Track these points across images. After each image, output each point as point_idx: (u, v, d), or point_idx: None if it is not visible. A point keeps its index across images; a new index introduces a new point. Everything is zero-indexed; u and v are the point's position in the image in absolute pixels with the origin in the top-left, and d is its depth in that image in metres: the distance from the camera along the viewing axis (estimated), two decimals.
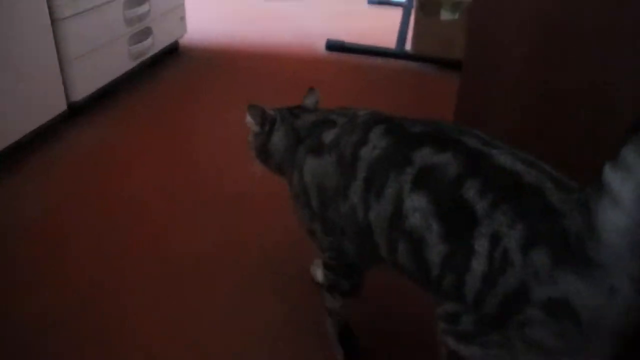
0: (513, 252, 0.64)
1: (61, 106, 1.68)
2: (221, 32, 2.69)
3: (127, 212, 1.37)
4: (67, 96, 1.71)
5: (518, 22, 1.06)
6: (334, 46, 2.49)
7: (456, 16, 2.22)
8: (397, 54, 2.41)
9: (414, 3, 2.32)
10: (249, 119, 1.06)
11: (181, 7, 2.35)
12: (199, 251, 1.24)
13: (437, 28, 2.26)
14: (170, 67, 2.26)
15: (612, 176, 0.58)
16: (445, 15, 2.23)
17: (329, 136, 0.90)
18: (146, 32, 2.08)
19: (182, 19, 2.37)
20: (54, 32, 1.61)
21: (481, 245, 0.66)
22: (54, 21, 1.61)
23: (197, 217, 1.36)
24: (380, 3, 3.24)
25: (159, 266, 1.20)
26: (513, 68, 1.09)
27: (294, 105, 1.07)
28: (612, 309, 0.60)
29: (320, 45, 2.52)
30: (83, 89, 1.77)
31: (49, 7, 1.58)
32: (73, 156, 1.60)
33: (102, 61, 1.85)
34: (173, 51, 2.38)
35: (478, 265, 0.66)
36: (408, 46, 2.40)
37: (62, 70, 1.67)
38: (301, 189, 0.94)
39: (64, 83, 1.68)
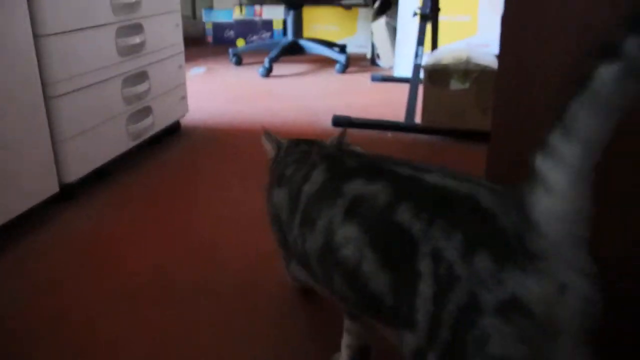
0: (456, 264, 0.62)
1: (53, 188, 1.56)
2: (224, 112, 2.63)
3: (119, 301, 1.22)
4: (59, 177, 1.59)
5: (545, 83, 0.96)
6: (341, 122, 2.41)
7: (466, 85, 2.15)
8: (406, 127, 2.33)
9: (422, 74, 2.27)
10: (265, 143, 1.14)
11: (182, 86, 2.29)
12: (199, 346, 1.08)
13: (447, 98, 2.19)
14: (171, 147, 2.17)
15: (543, 165, 0.59)
16: (455, 85, 2.16)
17: (290, 170, 0.96)
18: (146, 112, 2.01)
19: (184, 98, 2.31)
20: (47, 110, 1.52)
21: (425, 265, 0.65)
22: (47, 99, 1.52)
23: (198, 308, 1.20)
24: (384, 80, 3.21)
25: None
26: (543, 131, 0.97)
27: (309, 139, 1.10)
28: (566, 303, 0.59)
29: (326, 121, 2.44)
30: (77, 170, 1.66)
31: (42, 84, 1.49)
32: (64, 240, 1.47)
33: (98, 141, 1.75)
34: (174, 131, 2.30)
35: (426, 287, 0.65)
36: (417, 119, 2.32)
37: (54, 150, 1.56)
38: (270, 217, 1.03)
39: (57, 163, 1.58)
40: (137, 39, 1.89)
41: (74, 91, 1.61)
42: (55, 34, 1.52)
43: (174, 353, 1.07)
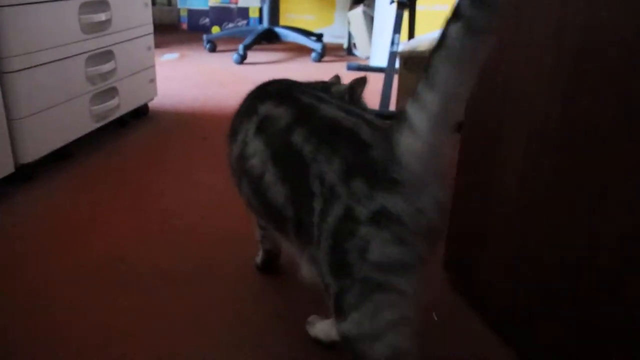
0: (337, 186, 0.73)
1: (8, 168, 1.49)
2: (195, 97, 2.56)
3: (76, 284, 1.16)
4: (15, 157, 1.52)
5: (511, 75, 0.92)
6: None
7: None
8: (381, 114, 2.29)
9: (398, 61, 2.23)
10: None
11: (151, 69, 2.21)
12: (155, 330, 1.03)
13: None
14: (138, 130, 2.10)
15: (410, 109, 0.68)
16: None
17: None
18: (111, 93, 1.93)
19: (152, 81, 2.24)
20: (1, 86, 1.44)
21: (316, 186, 0.76)
22: (1, 74, 1.44)
23: (156, 291, 1.15)
24: (359, 69, 3.17)
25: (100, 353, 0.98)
26: (520, 120, 0.94)
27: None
28: (422, 225, 0.72)
29: None
30: (35, 150, 1.59)
31: None
32: (19, 222, 1.40)
33: (59, 121, 1.67)
34: (142, 114, 2.22)
35: (317, 205, 0.76)
36: (392, 107, 2.28)
37: (9, 128, 1.48)
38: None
39: (12, 142, 1.50)
40: (102, 16, 1.81)
41: (32, 67, 1.53)
42: (11, 5, 1.44)
43: (128, 337, 1.01)
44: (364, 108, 1.09)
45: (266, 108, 0.90)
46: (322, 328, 1.00)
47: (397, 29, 2.48)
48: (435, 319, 1.08)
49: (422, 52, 2.15)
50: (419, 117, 0.67)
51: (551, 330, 0.89)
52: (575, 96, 0.81)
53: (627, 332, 0.75)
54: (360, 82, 1.10)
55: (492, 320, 1.05)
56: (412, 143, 0.69)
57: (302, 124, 0.82)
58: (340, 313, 0.77)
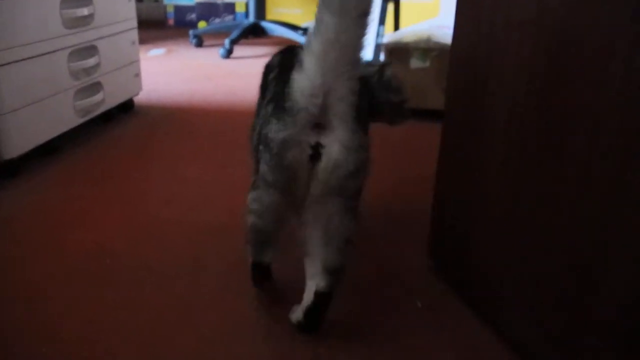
0: (263, 107, 0.95)
1: None
2: (181, 92, 2.56)
3: (60, 279, 1.15)
4: (0, 152, 1.51)
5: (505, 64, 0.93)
6: None
7: (427, 64, 2.12)
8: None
9: (382, 51, 2.23)
10: None
11: (136, 63, 2.21)
12: (139, 326, 1.03)
13: (407, 76, 2.15)
14: (123, 125, 2.09)
15: (303, 53, 0.81)
16: (415, 63, 2.13)
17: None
18: (95, 87, 1.92)
19: (137, 75, 2.23)
20: None
21: (264, 108, 0.95)
22: None
23: (141, 286, 1.15)
24: None
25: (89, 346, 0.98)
26: (500, 113, 0.95)
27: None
28: (304, 153, 0.85)
29: None
30: (19, 146, 1.58)
31: None
32: (4, 217, 1.39)
33: (43, 116, 1.67)
34: (128, 109, 2.22)
35: (257, 122, 0.99)
36: None
37: None
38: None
39: None
40: (84, 11, 1.81)
41: (13, 62, 1.52)
42: None
43: (115, 331, 1.01)
44: (393, 86, 1.21)
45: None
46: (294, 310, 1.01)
47: (381, 20, 2.49)
48: (419, 305, 1.09)
49: (406, 44, 2.15)
50: (307, 60, 0.80)
51: (535, 314, 0.90)
52: (553, 86, 0.82)
53: (609, 315, 0.76)
54: (387, 65, 1.23)
55: (476, 306, 1.06)
56: (301, 81, 0.82)
57: (280, 70, 0.99)
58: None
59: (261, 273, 1.08)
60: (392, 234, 1.36)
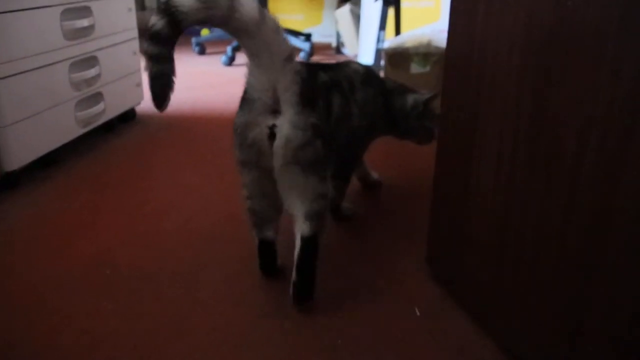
0: None
1: None
2: (183, 100, 2.57)
3: (60, 289, 1.16)
4: (0, 165, 1.52)
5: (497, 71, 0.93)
6: None
7: (427, 69, 2.12)
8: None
9: (383, 57, 2.23)
10: None
11: (137, 73, 2.22)
12: (137, 335, 1.03)
13: (408, 81, 2.15)
14: (125, 134, 2.10)
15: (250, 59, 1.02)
16: (416, 68, 2.13)
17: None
18: (96, 98, 1.94)
19: (139, 85, 2.24)
20: None
21: None
22: None
23: (140, 296, 1.15)
24: None
25: None
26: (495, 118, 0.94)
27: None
28: (261, 132, 1.03)
29: None
30: (21, 157, 1.59)
31: None
32: (5, 228, 1.40)
33: (44, 128, 1.68)
34: (129, 119, 2.23)
35: None
36: None
37: None
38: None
39: None
40: (85, 22, 1.82)
41: (14, 75, 1.53)
42: None
43: (113, 340, 1.01)
44: (434, 116, 1.45)
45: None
46: None
47: (382, 25, 2.49)
48: (418, 313, 1.09)
49: (406, 49, 2.16)
50: (252, 64, 1.01)
51: (533, 322, 0.89)
52: (544, 90, 0.82)
53: (604, 324, 0.76)
54: (434, 98, 1.44)
55: (475, 313, 1.06)
56: (250, 78, 1.02)
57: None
58: None
59: (267, 252, 1.19)
60: (389, 240, 1.35)
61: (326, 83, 1.22)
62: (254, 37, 0.96)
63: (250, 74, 1.02)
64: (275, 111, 1.02)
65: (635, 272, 0.70)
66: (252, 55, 0.99)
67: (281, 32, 0.99)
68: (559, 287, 0.82)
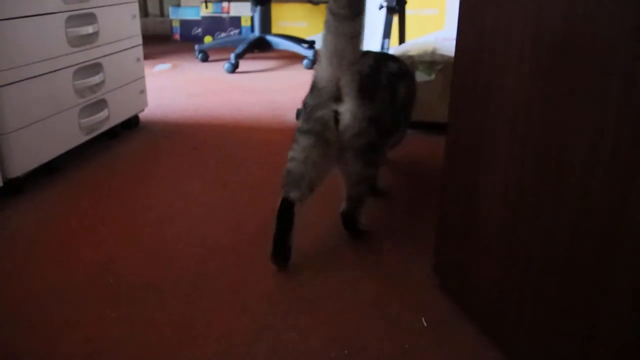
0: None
1: None
2: (186, 107, 2.56)
3: (63, 297, 1.15)
4: (4, 171, 1.51)
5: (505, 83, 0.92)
6: None
7: (432, 77, 2.12)
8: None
9: None
10: None
11: (141, 80, 2.21)
12: (141, 344, 1.02)
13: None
14: (128, 141, 2.09)
15: (319, 54, 1.23)
16: (421, 76, 2.13)
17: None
18: (100, 105, 1.93)
19: (143, 92, 2.24)
20: None
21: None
22: None
23: (143, 305, 1.14)
24: None
25: None
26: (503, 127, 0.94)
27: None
28: (330, 118, 1.22)
29: (291, 115, 2.39)
30: (24, 164, 1.58)
31: None
32: (8, 235, 1.39)
33: (48, 134, 1.67)
34: (133, 125, 2.22)
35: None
36: None
37: None
38: None
39: (0, 157, 1.50)
40: (89, 29, 1.82)
41: (19, 81, 1.53)
42: None
43: (116, 349, 1.00)
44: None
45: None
46: None
47: (386, 33, 2.48)
48: (425, 324, 1.07)
49: (411, 57, 2.15)
50: (321, 56, 1.21)
51: (542, 332, 0.88)
52: (554, 99, 0.81)
53: (615, 332, 0.75)
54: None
55: (483, 322, 1.04)
56: (318, 69, 1.24)
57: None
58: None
59: (286, 211, 1.23)
60: (397, 249, 1.34)
61: (394, 72, 1.41)
62: (338, 36, 1.15)
63: (320, 66, 1.22)
64: (338, 99, 1.21)
65: None
66: (327, 50, 1.18)
67: (359, 40, 1.19)
68: (568, 297, 0.81)
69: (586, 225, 0.77)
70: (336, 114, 1.20)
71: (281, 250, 1.22)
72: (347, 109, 1.20)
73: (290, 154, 1.26)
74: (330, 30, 1.15)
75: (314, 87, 1.25)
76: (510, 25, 0.89)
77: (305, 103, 1.27)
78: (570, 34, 0.77)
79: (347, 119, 1.20)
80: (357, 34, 1.16)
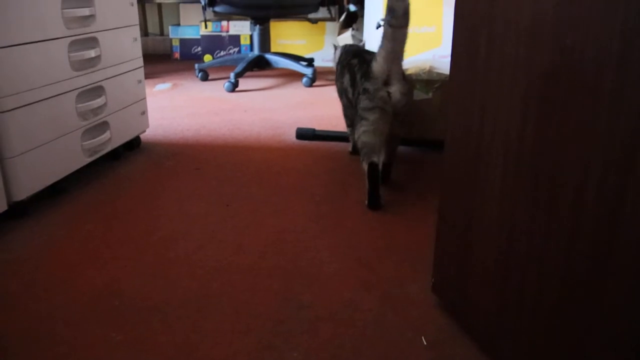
0: (358, 81, 1.80)
1: (1, 205, 1.51)
2: (187, 127, 2.59)
3: (67, 319, 1.17)
4: (8, 195, 1.54)
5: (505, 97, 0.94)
6: (304, 134, 2.39)
7: (429, 95, 2.15)
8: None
9: None
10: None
11: (142, 101, 2.24)
12: None
13: (410, 108, 2.17)
14: (130, 163, 2.12)
15: (377, 53, 1.70)
16: (418, 95, 2.16)
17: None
18: (102, 127, 1.96)
19: (144, 113, 2.26)
20: None
21: (358, 80, 1.80)
22: None
23: (147, 327, 1.16)
24: None
25: None
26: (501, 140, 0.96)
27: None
28: (388, 98, 1.69)
29: (291, 134, 2.42)
30: (28, 187, 1.61)
31: None
32: (13, 258, 1.41)
33: (52, 157, 1.70)
34: (134, 146, 2.25)
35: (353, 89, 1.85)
36: None
37: (2, 167, 1.51)
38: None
39: (5, 181, 1.52)
40: (92, 53, 1.85)
41: (23, 106, 1.56)
42: (1, 47, 1.47)
43: None
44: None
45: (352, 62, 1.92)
46: None
47: None
48: (425, 343, 1.09)
49: (409, 75, 2.18)
50: (379, 55, 1.67)
51: (540, 349, 0.90)
52: (546, 122, 0.83)
53: (610, 348, 0.76)
54: None
55: (482, 341, 1.06)
56: (376, 65, 1.68)
57: (359, 62, 1.85)
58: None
59: (374, 172, 1.69)
60: (394, 268, 1.36)
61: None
62: (394, 41, 1.62)
63: (377, 62, 1.67)
64: (388, 83, 1.68)
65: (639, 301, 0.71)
66: (384, 52, 1.64)
67: (405, 43, 1.64)
68: (564, 317, 0.83)
69: (579, 248, 0.79)
70: (388, 93, 1.67)
71: (376, 199, 1.70)
72: (396, 89, 1.67)
73: (362, 129, 1.72)
74: (388, 37, 1.60)
75: (371, 77, 1.70)
76: (503, 51, 0.91)
77: (365, 88, 1.72)
78: (560, 60, 0.79)
79: (398, 95, 1.67)
80: (404, 40, 1.63)
